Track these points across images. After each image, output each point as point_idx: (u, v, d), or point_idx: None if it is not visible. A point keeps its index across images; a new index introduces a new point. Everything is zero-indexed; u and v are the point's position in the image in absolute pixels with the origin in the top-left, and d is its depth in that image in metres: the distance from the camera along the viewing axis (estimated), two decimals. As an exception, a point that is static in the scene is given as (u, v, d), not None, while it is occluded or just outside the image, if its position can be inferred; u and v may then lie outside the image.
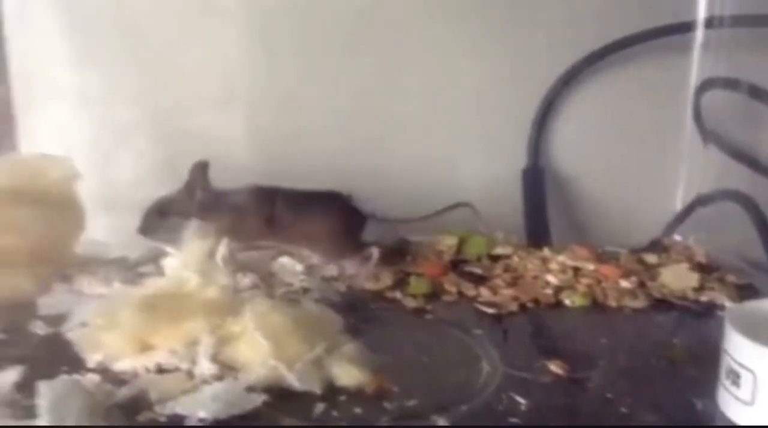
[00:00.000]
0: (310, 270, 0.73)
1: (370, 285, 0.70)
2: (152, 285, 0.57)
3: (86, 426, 0.44)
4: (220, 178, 0.78)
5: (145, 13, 0.85)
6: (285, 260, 0.74)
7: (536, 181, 0.86)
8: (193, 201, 0.73)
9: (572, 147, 0.88)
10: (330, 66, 0.87)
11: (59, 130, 0.87)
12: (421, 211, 0.82)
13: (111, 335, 0.52)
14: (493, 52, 0.85)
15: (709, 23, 0.84)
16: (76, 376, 0.50)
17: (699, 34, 0.85)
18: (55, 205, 0.66)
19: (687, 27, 0.84)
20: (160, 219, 0.74)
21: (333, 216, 0.74)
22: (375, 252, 0.75)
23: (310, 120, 0.88)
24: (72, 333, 0.55)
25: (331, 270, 0.73)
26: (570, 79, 0.85)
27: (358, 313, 0.63)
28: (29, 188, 0.65)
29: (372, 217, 0.76)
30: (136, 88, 0.87)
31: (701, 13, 0.84)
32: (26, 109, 0.86)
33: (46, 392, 0.45)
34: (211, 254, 0.60)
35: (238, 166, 0.86)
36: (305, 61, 0.87)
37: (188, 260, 0.58)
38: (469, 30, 0.85)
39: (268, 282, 0.69)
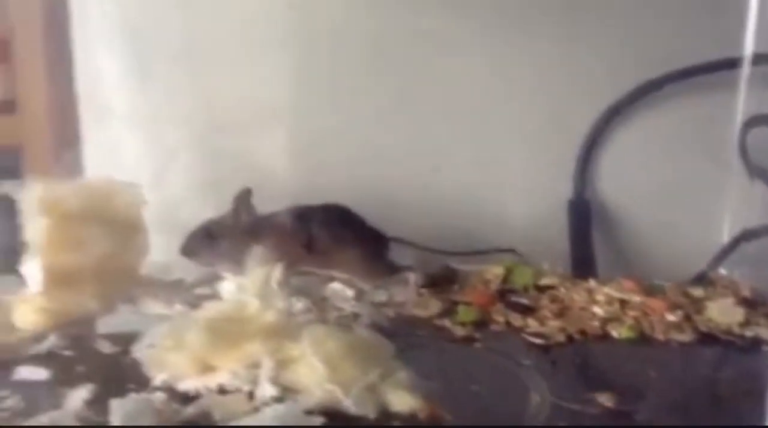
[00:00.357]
0: (360, 296, 0.75)
1: (419, 312, 0.72)
2: (214, 309, 0.60)
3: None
4: (265, 199, 0.81)
5: (197, 38, 0.89)
6: (336, 286, 0.76)
7: (582, 212, 0.87)
8: (238, 225, 0.77)
9: (618, 179, 0.89)
10: (375, 93, 0.90)
11: (114, 151, 0.91)
12: (467, 238, 0.85)
13: (176, 355, 0.55)
14: (541, 83, 0.87)
15: (756, 60, 0.84)
16: (143, 394, 0.52)
17: (746, 70, 0.86)
18: (122, 229, 0.69)
19: (734, 63, 0.85)
20: (205, 242, 0.78)
21: (357, 236, 0.79)
22: (411, 276, 0.78)
23: (354, 144, 0.90)
24: (139, 352, 0.57)
25: (380, 295, 0.76)
26: (617, 112, 0.86)
27: (407, 339, 0.65)
28: (98, 211, 0.68)
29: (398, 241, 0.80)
30: (185, 110, 0.90)
31: (748, 50, 0.85)
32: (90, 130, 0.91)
33: (118, 409, 0.47)
34: (269, 279, 0.62)
35: (283, 187, 0.89)
36: (352, 86, 0.90)
37: (249, 285, 0.60)
38: (517, 62, 0.87)
39: (320, 306, 0.72)
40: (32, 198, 0.65)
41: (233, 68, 0.90)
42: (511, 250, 0.82)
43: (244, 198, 0.78)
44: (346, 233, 0.78)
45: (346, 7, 0.89)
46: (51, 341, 0.63)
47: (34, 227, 0.64)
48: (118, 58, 0.89)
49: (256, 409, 0.52)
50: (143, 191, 0.71)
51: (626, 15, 0.86)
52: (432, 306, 0.72)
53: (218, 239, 0.77)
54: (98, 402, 0.52)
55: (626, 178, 0.89)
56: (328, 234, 0.78)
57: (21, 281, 0.69)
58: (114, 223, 0.68)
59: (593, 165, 0.88)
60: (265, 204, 0.81)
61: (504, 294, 0.76)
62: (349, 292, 0.74)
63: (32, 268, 0.64)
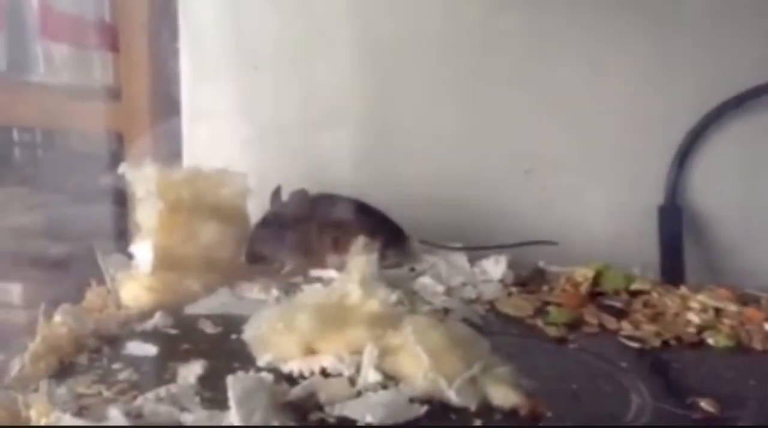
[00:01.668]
0: (450, 291, 0.75)
1: (510, 311, 0.72)
2: (319, 295, 0.61)
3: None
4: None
5: (266, 34, 0.92)
6: (426, 280, 0.76)
7: (673, 218, 0.86)
8: (285, 215, 0.78)
9: (710, 187, 0.88)
10: (445, 98, 0.91)
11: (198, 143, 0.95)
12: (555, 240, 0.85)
13: (284, 337, 0.56)
14: (640, 88, 0.86)
15: None
16: (251, 373, 0.54)
17: None
18: (227, 218, 0.71)
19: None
20: (264, 243, 0.78)
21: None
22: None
23: (418, 145, 0.92)
24: (246, 333, 0.59)
25: (470, 292, 0.76)
26: (713, 120, 0.85)
27: (501, 337, 0.66)
28: (207, 200, 0.70)
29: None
30: (251, 105, 0.93)
31: None
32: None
33: (235, 386, 0.49)
34: (369, 268, 0.63)
35: (347, 187, 0.91)
36: (423, 89, 0.91)
37: (352, 274, 0.62)
38: (612, 66, 0.87)
39: (410, 300, 0.72)
40: (147, 181, 0.68)
41: (302, 68, 0.93)
42: (554, 243, 0.83)
43: (278, 195, 0.80)
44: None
45: (423, 7, 0.90)
46: (156, 319, 0.65)
47: (148, 210, 0.67)
48: (221, 53, 0.92)
49: (359, 394, 0.53)
50: (249, 181, 0.73)
51: (725, 22, 0.85)
52: (523, 306, 0.72)
53: (275, 235, 0.78)
54: (209, 379, 0.54)
55: (719, 186, 0.88)
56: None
57: (127, 260, 0.72)
58: (221, 211, 0.71)
59: (686, 171, 0.87)
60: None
61: (594, 296, 0.75)
62: (440, 287, 0.75)
63: (143, 249, 0.67)
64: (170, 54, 0.94)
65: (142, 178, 0.68)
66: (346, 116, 0.93)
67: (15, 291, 0.97)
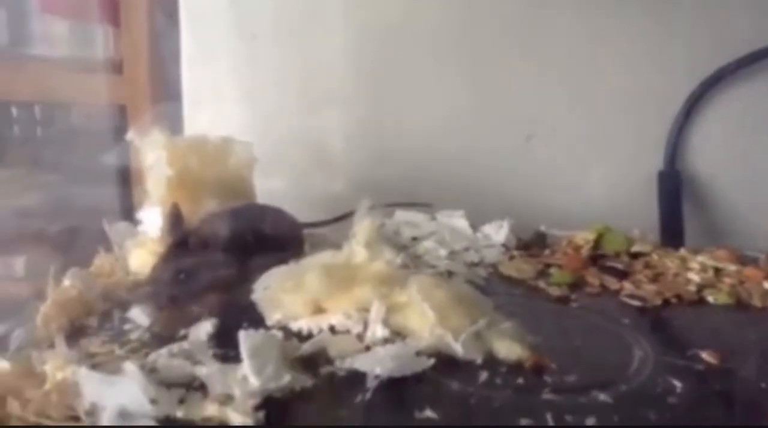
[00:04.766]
0: (453, 255, 0.76)
1: (512, 273, 0.73)
2: (326, 256, 0.62)
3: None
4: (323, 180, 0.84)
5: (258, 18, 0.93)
6: (429, 244, 0.77)
7: (672, 183, 0.87)
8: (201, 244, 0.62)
9: (710, 151, 0.89)
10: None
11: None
12: (557, 206, 0.86)
13: (292, 296, 0.57)
14: (638, 54, 0.87)
15: None
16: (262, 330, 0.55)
17: None
18: (233, 188, 0.71)
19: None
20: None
21: None
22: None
23: (420, 116, 0.93)
24: (255, 294, 0.60)
25: (472, 256, 0.77)
26: (713, 84, 0.86)
27: (504, 298, 0.67)
28: (213, 169, 0.71)
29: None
30: (243, 89, 0.94)
31: None
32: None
33: (246, 340, 0.49)
34: (375, 230, 0.64)
35: (342, 167, 0.93)
36: (424, 60, 0.92)
37: (358, 236, 0.62)
38: (612, 33, 0.88)
39: (414, 263, 0.73)
40: (156, 147, 0.68)
41: (295, 52, 0.94)
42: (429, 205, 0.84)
43: (174, 214, 0.63)
44: None
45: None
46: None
47: (157, 176, 0.67)
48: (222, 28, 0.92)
49: (368, 348, 0.54)
50: (254, 150, 0.73)
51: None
52: (525, 269, 0.73)
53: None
54: (220, 337, 0.55)
55: (717, 151, 0.89)
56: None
57: (134, 228, 0.73)
58: (227, 181, 0.71)
59: (685, 137, 0.88)
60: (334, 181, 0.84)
61: (595, 259, 0.76)
62: (443, 251, 0.76)
63: (152, 215, 0.67)
64: (171, 27, 0.94)
65: (151, 144, 0.68)
66: (346, 92, 0.93)
67: (18, 263, 0.98)
